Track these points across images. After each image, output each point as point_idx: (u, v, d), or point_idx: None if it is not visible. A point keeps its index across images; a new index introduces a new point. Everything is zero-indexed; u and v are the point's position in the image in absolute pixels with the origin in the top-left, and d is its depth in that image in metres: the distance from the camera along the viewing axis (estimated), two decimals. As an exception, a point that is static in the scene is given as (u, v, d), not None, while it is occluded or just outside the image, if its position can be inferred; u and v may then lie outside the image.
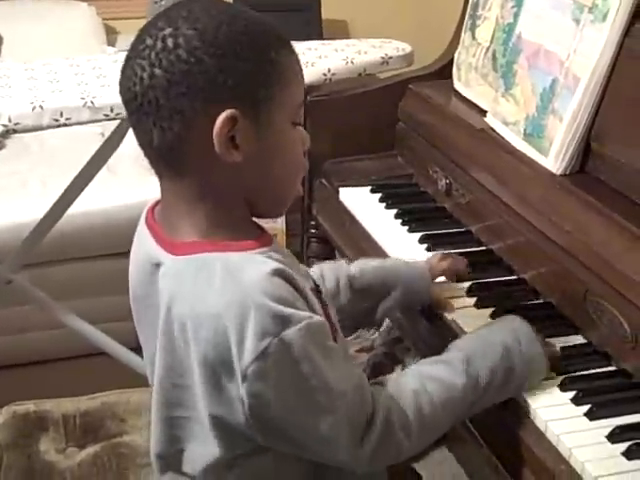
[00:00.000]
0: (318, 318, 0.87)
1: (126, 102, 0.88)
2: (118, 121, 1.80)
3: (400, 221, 1.47)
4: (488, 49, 1.53)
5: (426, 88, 1.66)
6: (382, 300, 1.18)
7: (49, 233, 1.96)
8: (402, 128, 1.67)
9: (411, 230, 1.44)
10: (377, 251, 1.42)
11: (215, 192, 0.88)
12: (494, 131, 1.42)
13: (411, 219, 1.46)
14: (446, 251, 1.33)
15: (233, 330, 0.82)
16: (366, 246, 1.45)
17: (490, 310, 1.19)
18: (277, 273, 0.85)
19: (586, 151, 1.24)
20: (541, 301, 1.21)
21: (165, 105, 0.84)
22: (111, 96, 1.61)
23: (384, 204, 1.53)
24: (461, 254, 1.34)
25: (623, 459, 0.92)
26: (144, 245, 0.92)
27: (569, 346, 1.10)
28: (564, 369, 1.05)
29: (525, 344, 1.01)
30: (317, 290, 0.98)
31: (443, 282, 1.25)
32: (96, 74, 1.74)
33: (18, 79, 1.73)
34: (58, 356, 2.22)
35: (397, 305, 1.20)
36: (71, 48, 2.58)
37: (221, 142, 0.85)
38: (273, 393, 0.83)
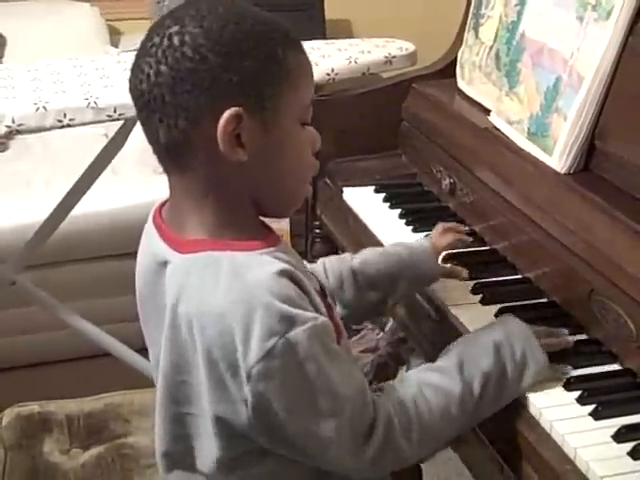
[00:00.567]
0: (324, 319, 0.87)
1: (135, 99, 0.89)
2: (122, 122, 1.80)
3: (404, 221, 1.47)
4: (492, 48, 1.53)
5: (430, 87, 1.66)
6: (389, 290, 1.17)
7: (53, 234, 1.96)
8: (406, 127, 1.66)
9: (415, 230, 1.43)
10: (381, 251, 1.42)
11: (220, 190, 0.88)
12: (498, 130, 1.42)
13: (415, 219, 1.46)
14: (449, 251, 1.33)
15: (239, 329, 0.82)
16: (370, 246, 1.44)
17: (495, 309, 1.18)
18: (283, 273, 0.85)
19: (590, 150, 1.24)
20: (545, 300, 1.20)
21: (170, 102, 0.85)
22: (114, 97, 1.61)
23: (388, 204, 1.53)
24: (465, 253, 1.34)
25: (629, 459, 0.91)
26: (151, 244, 0.93)
27: (573, 345, 1.10)
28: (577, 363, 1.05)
29: (517, 340, 1.00)
30: (322, 292, 0.98)
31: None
32: (99, 75, 1.74)
33: (21, 80, 1.73)
34: (62, 357, 2.22)
35: (407, 292, 1.19)
36: (74, 49, 2.58)
37: (225, 140, 0.85)
38: (277, 393, 0.83)
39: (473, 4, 1.62)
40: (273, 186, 0.91)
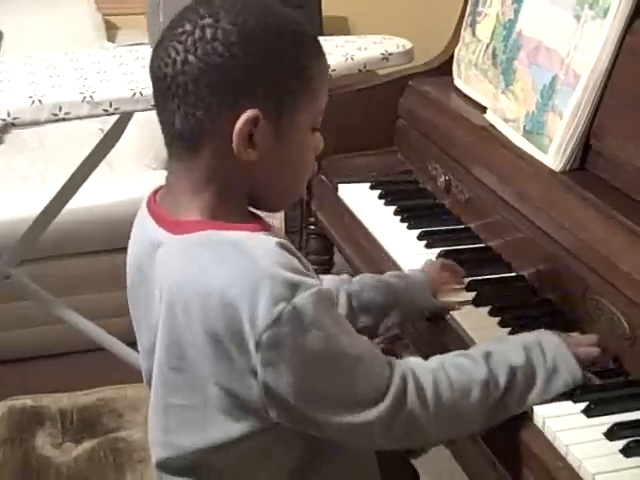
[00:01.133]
0: (325, 287, 0.88)
1: (154, 79, 0.89)
2: (117, 116, 1.80)
3: (399, 218, 1.47)
4: (488, 46, 1.53)
5: (426, 85, 1.66)
6: (381, 317, 1.16)
7: (47, 228, 1.96)
8: (402, 124, 1.66)
9: (410, 227, 1.43)
10: (376, 248, 1.42)
11: (223, 180, 0.90)
12: (494, 128, 1.42)
13: (410, 216, 1.46)
14: (444, 248, 1.33)
15: (245, 301, 0.82)
16: (365, 243, 1.45)
17: (488, 307, 1.19)
18: (281, 245, 0.87)
19: (586, 148, 1.24)
20: (540, 298, 1.21)
21: (193, 92, 0.86)
22: (110, 91, 1.61)
23: (383, 200, 1.53)
24: (460, 251, 1.34)
25: (621, 456, 0.91)
26: (144, 229, 0.93)
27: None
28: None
29: (547, 344, 0.99)
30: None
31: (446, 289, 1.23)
32: (96, 69, 1.74)
33: (17, 73, 1.72)
34: (55, 351, 2.22)
35: (399, 322, 1.19)
36: (71, 44, 2.57)
37: (239, 140, 0.87)
38: (287, 357, 0.83)
39: (470, 2, 1.62)
40: (274, 185, 0.93)
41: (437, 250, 1.34)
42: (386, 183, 1.58)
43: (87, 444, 1.32)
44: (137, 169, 2.39)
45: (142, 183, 2.25)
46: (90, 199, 2.20)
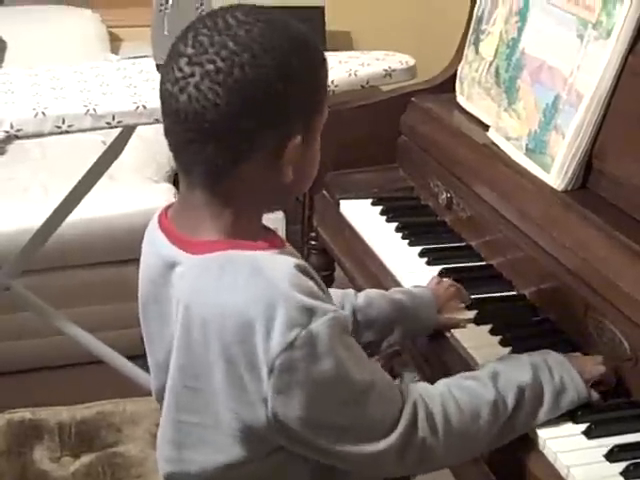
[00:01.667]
0: (343, 312, 0.90)
1: (167, 111, 0.87)
2: (120, 129, 1.80)
3: (400, 234, 1.47)
4: (491, 64, 1.53)
5: (429, 101, 1.66)
6: (385, 333, 1.16)
7: (49, 240, 1.96)
8: (404, 141, 1.67)
9: (411, 244, 1.43)
10: (377, 264, 1.42)
11: (247, 202, 0.90)
12: (496, 146, 1.42)
13: (411, 233, 1.46)
14: (446, 266, 1.33)
15: (260, 323, 0.83)
16: (366, 259, 1.45)
17: (489, 326, 1.18)
18: (299, 268, 0.87)
19: (588, 168, 1.24)
20: (541, 318, 1.20)
21: (228, 129, 0.85)
22: (114, 104, 1.61)
23: (385, 217, 1.53)
24: (461, 269, 1.34)
25: (621, 479, 0.91)
26: (157, 247, 0.93)
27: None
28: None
29: (554, 363, 1.00)
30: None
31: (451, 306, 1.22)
32: (99, 82, 1.74)
33: (21, 85, 1.73)
34: (55, 364, 2.21)
35: (402, 338, 1.19)
36: (75, 55, 2.57)
37: (288, 167, 0.89)
38: (300, 384, 0.83)
39: (474, 19, 1.63)
40: (288, 193, 0.94)
41: (438, 267, 1.34)
42: (388, 199, 1.58)
43: (85, 458, 1.31)
44: (139, 182, 2.39)
45: (144, 196, 2.25)
46: (92, 211, 2.20)
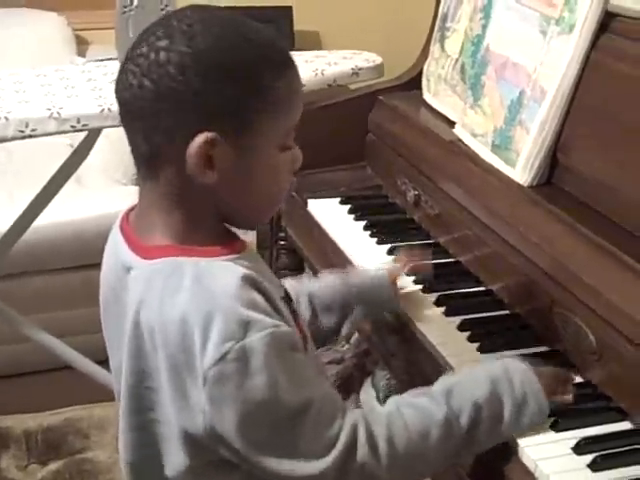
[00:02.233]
0: (285, 328, 0.86)
1: (118, 103, 0.89)
2: (86, 132, 1.78)
3: (369, 232, 1.46)
4: (457, 61, 1.53)
5: (396, 99, 1.66)
6: (343, 316, 1.16)
7: (15, 245, 1.93)
8: (372, 139, 1.66)
9: (380, 242, 1.43)
10: (346, 263, 1.41)
11: (189, 202, 0.89)
12: (463, 142, 1.42)
13: (380, 231, 1.46)
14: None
15: (198, 334, 0.82)
16: (334, 258, 1.44)
17: (457, 321, 1.18)
18: (246, 279, 0.85)
19: (553, 163, 1.25)
20: (508, 312, 1.21)
21: (149, 116, 0.86)
22: (78, 107, 1.59)
23: (353, 215, 1.53)
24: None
25: (588, 471, 0.91)
26: (116, 250, 0.92)
27: (534, 355, 1.10)
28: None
29: (517, 377, 0.94)
30: (288, 299, 0.97)
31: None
32: (63, 85, 1.72)
33: (-17, 89, 1.70)
34: (21, 370, 2.17)
35: (361, 318, 1.18)
36: (41, 58, 2.55)
37: (195, 163, 0.86)
38: (231, 399, 0.82)
39: (439, 17, 1.63)
40: (244, 206, 0.91)
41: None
42: (356, 198, 1.58)
43: (52, 466, 1.30)
44: (107, 185, 2.37)
45: (112, 199, 2.23)
46: (59, 215, 2.18)
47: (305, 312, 1.13)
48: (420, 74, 1.67)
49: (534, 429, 0.95)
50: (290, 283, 1.14)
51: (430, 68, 1.64)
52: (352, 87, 1.88)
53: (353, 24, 3.03)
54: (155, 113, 0.85)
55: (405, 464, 0.89)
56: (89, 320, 2.13)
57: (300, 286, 1.16)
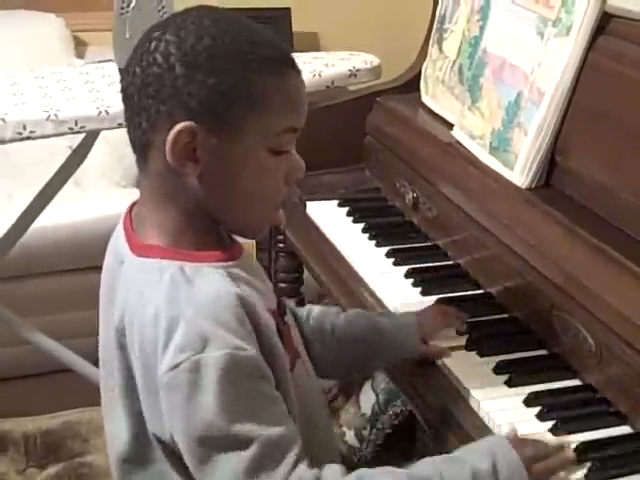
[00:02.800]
0: (250, 353, 0.82)
1: (121, 94, 0.91)
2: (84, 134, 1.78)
3: (367, 235, 1.46)
4: (455, 62, 1.53)
5: (394, 101, 1.66)
6: (362, 355, 1.10)
7: (14, 247, 1.93)
8: (370, 141, 1.66)
9: (378, 244, 1.43)
10: (344, 266, 1.41)
11: (178, 197, 0.88)
12: (461, 145, 1.42)
13: (378, 233, 1.45)
14: (412, 266, 1.33)
15: (162, 336, 0.82)
16: (333, 261, 1.44)
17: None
18: (223, 293, 0.84)
19: (551, 165, 1.24)
20: (507, 315, 1.20)
21: (137, 103, 0.87)
22: (76, 109, 1.59)
23: (351, 218, 1.52)
24: (428, 268, 1.34)
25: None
26: (117, 242, 0.93)
27: (533, 359, 1.11)
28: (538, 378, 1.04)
29: (503, 473, 0.85)
30: (279, 310, 0.95)
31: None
32: (61, 87, 1.72)
33: (-19, 91, 1.70)
34: (21, 373, 2.17)
35: (379, 362, 1.14)
36: (39, 60, 2.54)
37: (174, 152, 0.85)
38: (178, 409, 0.82)
39: (437, 18, 1.63)
40: (231, 207, 0.90)
41: (405, 268, 1.34)
42: (354, 200, 1.57)
43: (51, 469, 1.30)
44: (105, 187, 2.37)
45: (111, 201, 2.22)
46: (58, 217, 2.17)
47: (325, 343, 1.08)
48: (418, 76, 1.67)
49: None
50: (317, 311, 1.12)
51: (428, 70, 1.64)
52: (351, 89, 1.88)
53: (352, 25, 3.03)
54: (141, 100, 0.86)
55: None
56: (88, 323, 2.12)
57: (326, 317, 1.11)
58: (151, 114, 0.86)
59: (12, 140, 1.57)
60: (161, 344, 0.82)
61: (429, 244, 1.41)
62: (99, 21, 3.02)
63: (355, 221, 1.51)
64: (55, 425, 1.35)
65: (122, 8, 1.74)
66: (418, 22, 1.83)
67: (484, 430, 0.99)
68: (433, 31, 1.64)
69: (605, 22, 1.19)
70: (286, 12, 2.95)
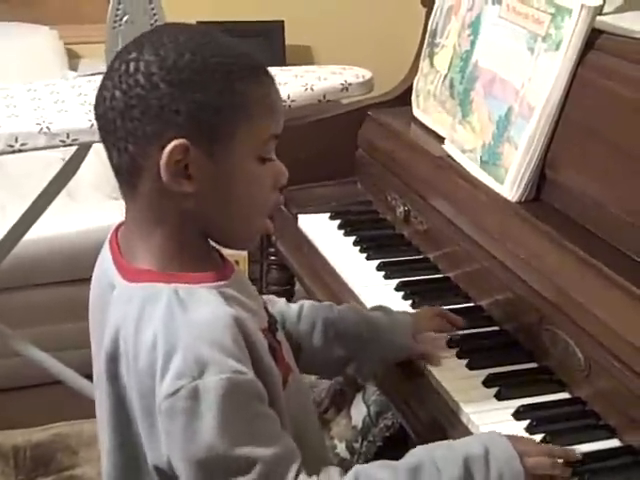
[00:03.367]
0: (248, 376, 0.83)
1: (96, 121, 0.90)
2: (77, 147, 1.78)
3: (358, 248, 1.46)
4: (446, 76, 1.54)
5: (385, 115, 1.67)
6: (355, 351, 1.10)
7: (6, 259, 1.93)
8: (361, 155, 1.67)
9: (369, 257, 1.43)
10: (335, 278, 1.41)
11: (168, 219, 0.88)
12: (452, 158, 1.42)
13: (369, 246, 1.46)
14: (403, 279, 1.33)
15: (160, 363, 0.82)
16: (324, 274, 1.44)
17: (447, 336, 1.18)
18: (219, 314, 0.84)
19: (541, 179, 1.25)
20: (497, 328, 1.21)
21: (121, 127, 0.86)
22: (68, 122, 1.59)
23: (343, 231, 1.53)
24: (418, 281, 1.34)
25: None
26: (104, 264, 0.92)
27: (523, 372, 1.11)
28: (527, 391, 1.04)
29: (496, 459, 0.86)
30: (271, 328, 0.95)
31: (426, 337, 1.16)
32: (54, 99, 1.72)
33: (-27, 104, 1.70)
34: (9, 386, 2.16)
35: (372, 360, 1.12)
36: (33, 72, 2.55)
37: (169, 171, 0.85)
38: (178, 435, 0.82)
39: (428, 33, 1.64)
40: (223, 220, 0.90)
41: (396, 281, 1.34)
42: (345, 213, 1.58)
43: (41, 482, 1.29)
44: (98, 199, 2.37)
45: (103, 213, 2.23)
46: (50, 229, 2.17)
47: (318, 337, 1.09)
48: (410, 89, 1.68)
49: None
50: (310, 306, 1.12)
51: (419, 84, 1.65)
52: (344, 102, 1.89)
53: (344, 39, 3.04)
54: (125, 124, 0.85)
55: None
56: (79, 335, 2.12)
57: (320, 311, 1.11)
58: (138, 136, 0.85)
59: (3, 152, 1.58)
60: (159, 370, 0.81)
61: (420, 257, 1.42)
62: (92, 33, 3.03)
63: (346, 234, 1.51)
64: (45, 438, 1.35)
65: (115, 22, 1.76)
66: (410, 36, 1.84)
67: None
68: (424, 45, 1.65)
69: (594, 38, 1.20)
70: (279, 25, 2.96)
